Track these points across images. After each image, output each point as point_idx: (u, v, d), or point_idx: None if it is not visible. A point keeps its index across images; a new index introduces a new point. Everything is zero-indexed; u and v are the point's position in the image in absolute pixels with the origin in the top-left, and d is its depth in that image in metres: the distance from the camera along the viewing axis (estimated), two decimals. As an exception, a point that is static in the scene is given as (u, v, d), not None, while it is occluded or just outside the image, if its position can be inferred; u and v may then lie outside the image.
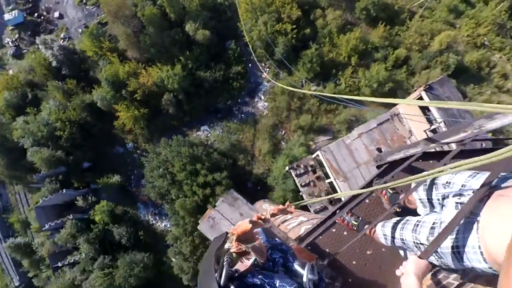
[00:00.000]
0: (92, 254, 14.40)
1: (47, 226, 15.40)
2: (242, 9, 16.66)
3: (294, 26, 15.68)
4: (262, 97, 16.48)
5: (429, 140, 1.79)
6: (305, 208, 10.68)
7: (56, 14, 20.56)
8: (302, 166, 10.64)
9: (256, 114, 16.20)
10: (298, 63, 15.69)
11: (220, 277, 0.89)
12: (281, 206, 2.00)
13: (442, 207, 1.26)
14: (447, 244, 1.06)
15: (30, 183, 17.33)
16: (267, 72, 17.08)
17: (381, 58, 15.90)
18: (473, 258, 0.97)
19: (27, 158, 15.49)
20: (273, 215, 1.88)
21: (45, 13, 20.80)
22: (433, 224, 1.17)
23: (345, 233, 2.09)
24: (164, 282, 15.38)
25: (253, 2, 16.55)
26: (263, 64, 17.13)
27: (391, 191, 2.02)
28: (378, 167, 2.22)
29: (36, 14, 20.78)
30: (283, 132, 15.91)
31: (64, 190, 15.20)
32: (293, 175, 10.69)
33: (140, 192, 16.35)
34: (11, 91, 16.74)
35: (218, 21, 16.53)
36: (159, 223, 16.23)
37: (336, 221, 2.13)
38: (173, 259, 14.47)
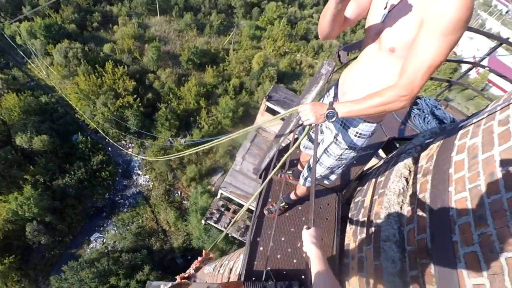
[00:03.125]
0: None
1: None
2: (74, 100, 21.31)
3: (135, 96, 21.98)
4: (140, 172, 21.27)
5: (276, 137, 2.91)
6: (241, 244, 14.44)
7: None
8: (214, 211, 14.45)
9: (143, 191, 20.51)
10: (157, 125, 21.82)
11: None
12: (200, 258, 2.64)
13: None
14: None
15: None
16: (131, 147, 22.51)
17: (222, 92, 24.96)
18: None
19: None
20: (197, 269, 2.47)
21: None
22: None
23: (292, 229, 2.87)
24: None
25: (82, 89, 21.40)
26: (123, 143, 22.43)
27: (290, 171, 3.25)
28: (260, 176, 3.42)
29: None
30: (179, 192, 21.05)
31: None
32: (213, 224, 14.25)
33: None
34: None
35: (51, 121, 20.25)
36: None
37: (279, 179, 3.21)
38: None
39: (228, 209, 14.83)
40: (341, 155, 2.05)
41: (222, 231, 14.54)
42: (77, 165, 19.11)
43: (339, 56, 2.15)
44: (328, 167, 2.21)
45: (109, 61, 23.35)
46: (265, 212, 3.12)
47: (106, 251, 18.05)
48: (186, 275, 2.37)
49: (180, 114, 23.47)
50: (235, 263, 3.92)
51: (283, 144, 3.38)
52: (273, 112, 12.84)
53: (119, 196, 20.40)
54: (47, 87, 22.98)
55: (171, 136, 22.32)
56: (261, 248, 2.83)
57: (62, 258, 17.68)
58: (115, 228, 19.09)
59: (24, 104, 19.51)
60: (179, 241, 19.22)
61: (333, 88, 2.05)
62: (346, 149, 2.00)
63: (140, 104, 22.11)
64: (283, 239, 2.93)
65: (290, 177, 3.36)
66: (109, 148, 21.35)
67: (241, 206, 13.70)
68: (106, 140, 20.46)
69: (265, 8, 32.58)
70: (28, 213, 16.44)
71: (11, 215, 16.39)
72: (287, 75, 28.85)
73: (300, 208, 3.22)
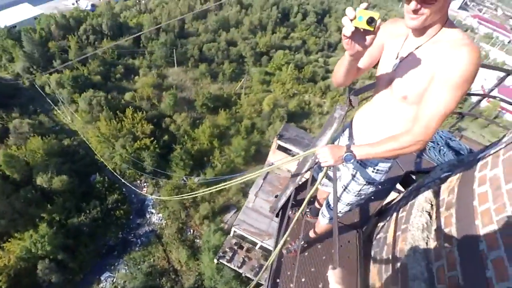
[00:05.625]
0: None
1: None
2: (94, 143, 22.26)
3: (152, 138, 22.82)
4: (153, 211, 21.17)
5: (293, 177, 2.91)
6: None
7: None
8: (227, 249, 14.50)
9: (156, 230, 20.24)
10: (172, 165, 22.22)
11: None
12: None
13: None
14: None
15: None
16: (146, 186, 23.01)
17: (235, 132, 25.63)
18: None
19: None
20: None
21: None
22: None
23: (312, 269, 2.80)
24: None
25: (102, 133, 22.54)
26: (138, 182, 22.70)
27: (308, 210, 3.18)
28: (277, 215, 3.44)
29: None
30: (192, 230, 20.67)
31: None
32: (225, 263, 12.78)
33: None
34: None
35: (72, 163, 21.00)
36: None
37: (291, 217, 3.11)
38: None
39: (241, 247, 15.30)
40: (360, 190, 2.11)
41: (235, 271, 13.73)
42: (93, 204, 19.46)
43: (350, 100, 2.27)
44: (348, 203, 2.26)
45: (129, 107, 24.87)
46: (284, 251, 3.07)
47: (115, 291, 17.09)
48: None
49: (194, 154, 24.07)
50: None
51: (300, 183, 3.47)
52: (284, 150, 14.17)
53: (132, 235, 20.23)
54: (71, 131, 24.37)
55: (185, 175, 22.58)
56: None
57: (71, 298, 16.83)
58: (126, 268, 18.68)
59: (48, 146, 20.61)
60: (191, 281, 18.52)
61: (347, 129, 2.14)
62: (365, 184, 2.06)
63: (156, 146, 22.95)
64: (303, 280, 2.85)
65: (308, 215, 3.35)
66: (124, 189, 21.69)
67: (254, 244, 13.28)
68: (122, 181, 20.84)
69: (273, 56, 34.83)
70: (41, 250, 16.45)
71: (25, 253, 16.40)
72: (297, 115, 29.81)
73: (319, 246, 3.14)
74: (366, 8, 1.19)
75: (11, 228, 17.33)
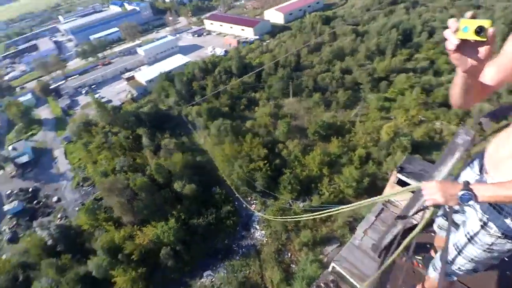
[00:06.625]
0: None
1: None
2: (218, 161, 25.83)
3: (266, 161, 24.53)
4: (257, 227, 22.30)
5: (399, 217, 2.70)
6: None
7: (55, 199, 29.16)
8: (322, 284, 15.23)
9: (256, 245, 21.12)
10: (280, 188, 23.19)
11: None
12: None
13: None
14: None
15: None
16: (255, 203, 24.42)
17: (347, 161, 24.51)
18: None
19: None
20: None
21: (44, 200, 29.35)
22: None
23: None
24: None
25: (226, 153, 25.87)
26: (249, 199, 24.51)
27: (420, 257, 2.84)
28: (379, 255, 3.44)
29: (35, 202, 29.33)
30: (289, 254, 20.33)
31: None
32: None
33: None
34: (1, 276, 21.10)
35: (200, 175, 25.03)
36: None
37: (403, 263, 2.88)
38: None
39: (338, 287, 14.53)
40: (491, 244, 1.63)
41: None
42: (210, 211, 22.45)
43: (480, 124, 1.81)
44: (472, 259, 1.76)
45: (249, 133, 28.12)
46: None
47: (211, 290, 18.75)
48: None
49: (302, 180, 24.25)
50: None
51: (414, 222, 2.86)
52: (405, 186, 12.54)
53: (236, 244, 21.97)
54: (202, 150, 29.20)
55: (291, 199, 23.00)
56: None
57: (177, 283, 20.35)
58: (225, 271, 20.37)
59: (185, 160, 25.40)
60: (278, 305, 17.61)
61: (477, 159, 1.75)
62: (499, 237, 1.58)
63: (268, 169, 24.58)
64: None
65: (420, 264, 2.85)
66: (236, 203, 24.01)
67: (354, 286, 12.93)
68: (236, 195, 23.11)
69: (394, 81, 32.17)
70: (167, 239, 20.22)
71: (155, 238, 20.57)
72: (424, 145, 26.01)
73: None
74: (473, 17, 1.05)
75: (150, 217, 22.11)
